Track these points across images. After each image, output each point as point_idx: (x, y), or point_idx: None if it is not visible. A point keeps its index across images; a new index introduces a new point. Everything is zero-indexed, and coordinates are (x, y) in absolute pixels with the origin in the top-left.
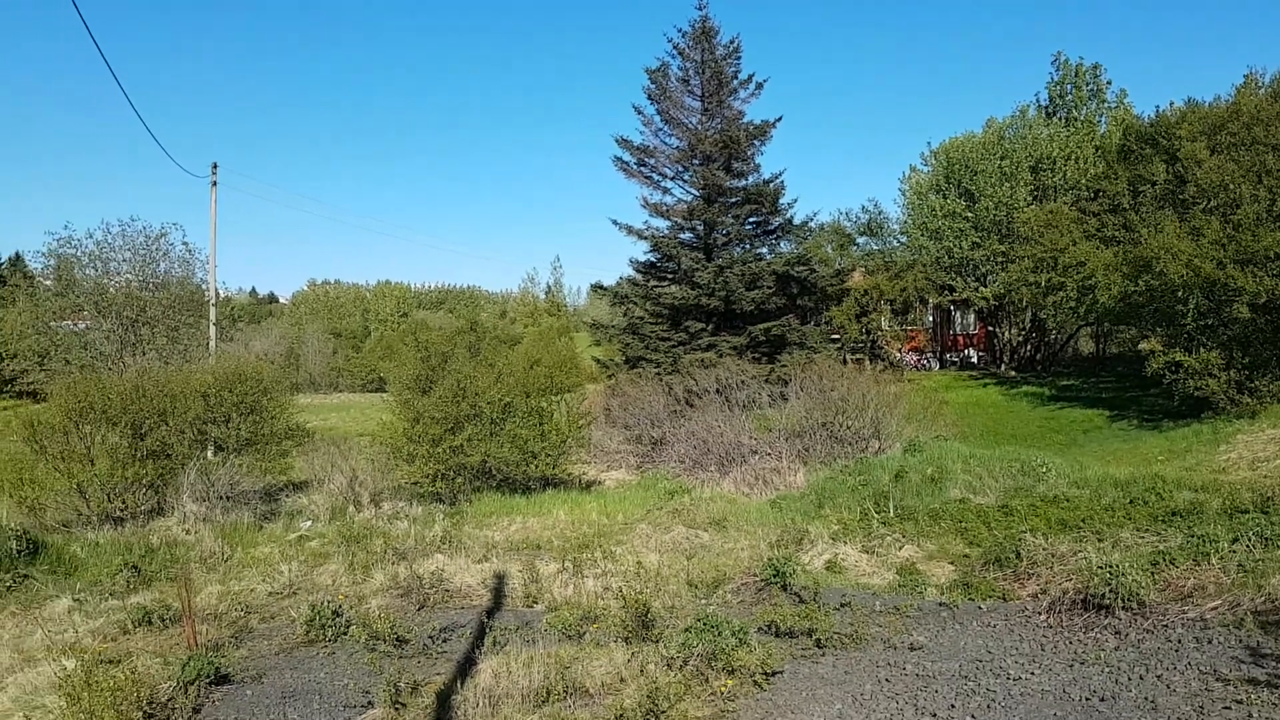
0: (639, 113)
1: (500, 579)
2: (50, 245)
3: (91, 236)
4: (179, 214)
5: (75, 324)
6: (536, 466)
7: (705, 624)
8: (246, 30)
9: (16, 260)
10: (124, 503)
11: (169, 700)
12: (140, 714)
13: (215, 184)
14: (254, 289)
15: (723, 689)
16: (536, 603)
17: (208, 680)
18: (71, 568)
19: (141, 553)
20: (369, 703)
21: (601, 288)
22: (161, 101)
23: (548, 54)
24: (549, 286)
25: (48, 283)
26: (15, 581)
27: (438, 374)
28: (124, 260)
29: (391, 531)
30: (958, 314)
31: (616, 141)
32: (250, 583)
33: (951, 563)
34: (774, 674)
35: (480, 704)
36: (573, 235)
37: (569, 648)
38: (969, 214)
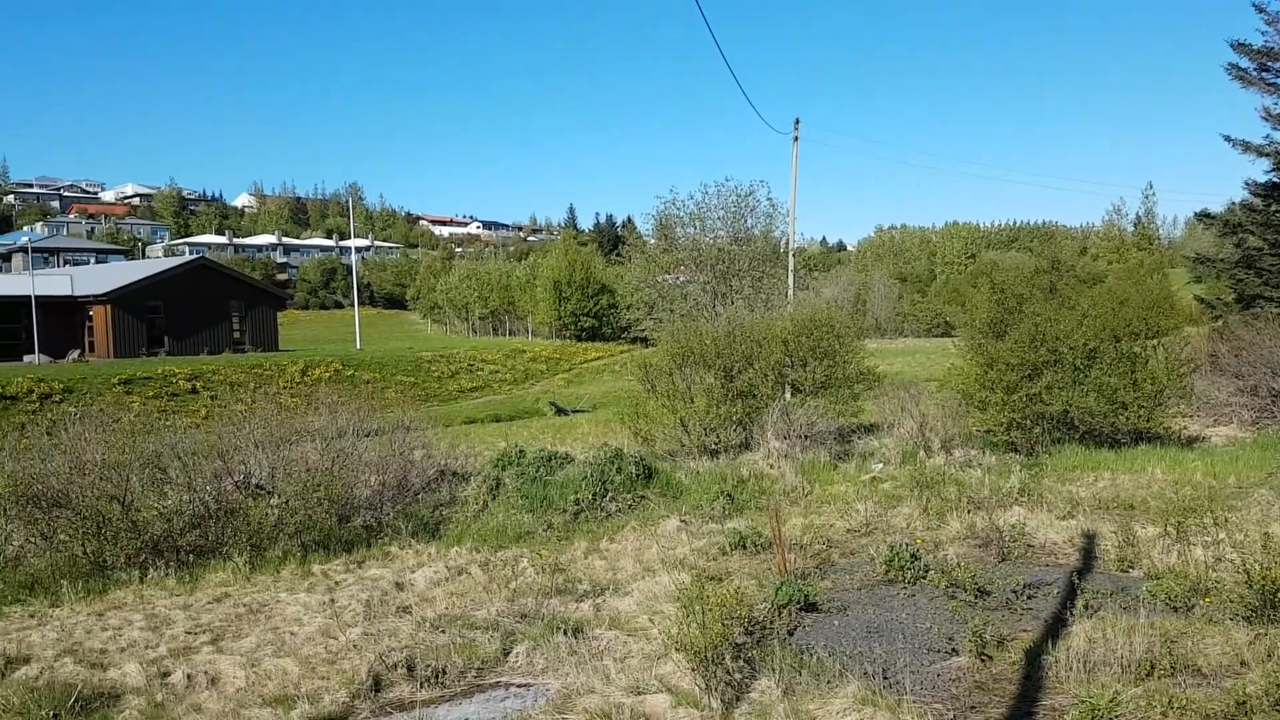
0: (1260, 10)
1: (1089, 538)
2: (658, 208)
3: (692, 198)
4: (761, 169)
5: (676, 277)
6: (1126, 418)
7: None
8: None
9: (628, 223)
10: (717, 437)
11: (765, 621)
12: (740, 629)
13: (797, 139)
14: (824, 238)
15: None
16: (1133, 568)
17: (798, 606)
18: (677, 492)
19: (733, 483)
20: (953, 650)
21: (1207, 216)
22: (749, 62)
23: None
24: (1138, 217)
25: (652, 241)
26: (635, 501)
27: (1013, 317)
28: (717, 218)
29: (964, 479)
30: None
31: (1231, 46)
32: (829, 518)
33: None
34: None
35: (1074, 668)
36: (1168, 158)
37: (1175, 620)
38: None
